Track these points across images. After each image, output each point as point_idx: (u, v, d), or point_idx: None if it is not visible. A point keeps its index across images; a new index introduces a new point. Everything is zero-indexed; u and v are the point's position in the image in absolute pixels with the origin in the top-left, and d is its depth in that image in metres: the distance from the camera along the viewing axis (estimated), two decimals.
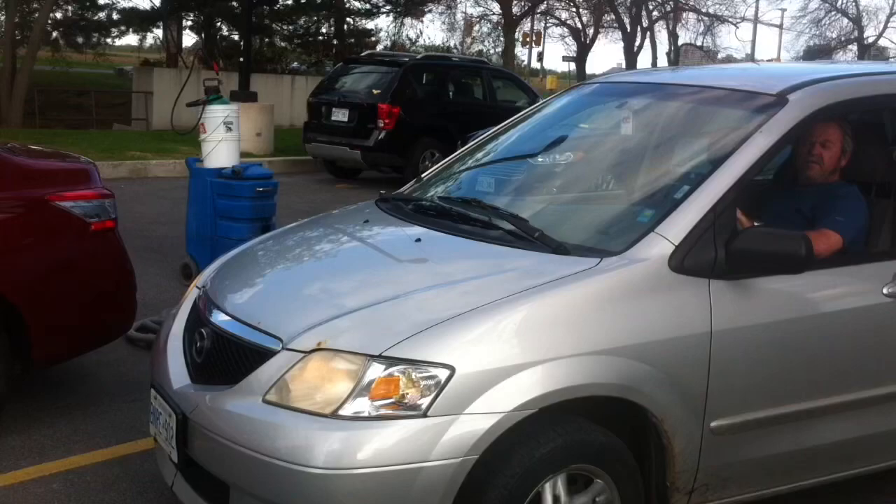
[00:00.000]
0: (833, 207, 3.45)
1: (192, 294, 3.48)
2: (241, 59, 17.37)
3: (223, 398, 2.81)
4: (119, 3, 26.66)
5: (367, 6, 29.53)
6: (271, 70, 25.63)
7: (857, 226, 3.41)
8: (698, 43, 42.37)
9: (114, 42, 29.40)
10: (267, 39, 28.05)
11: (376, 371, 2.57)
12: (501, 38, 35.58)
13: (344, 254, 3.45)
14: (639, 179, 3.47)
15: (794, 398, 3.06)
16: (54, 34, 24.86)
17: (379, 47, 30.08)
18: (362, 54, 16.30)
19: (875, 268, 3.25)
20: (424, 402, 2.54)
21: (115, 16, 26.59)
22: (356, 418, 2.55)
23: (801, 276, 2.95)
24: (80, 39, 26.33)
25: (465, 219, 3.30)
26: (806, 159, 3.58)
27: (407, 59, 14.11)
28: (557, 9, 40.39)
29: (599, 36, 42.27)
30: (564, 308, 2.73)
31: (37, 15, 21.01)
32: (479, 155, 4.13)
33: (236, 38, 26.44)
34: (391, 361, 2.58)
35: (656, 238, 2.88)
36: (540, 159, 3.92)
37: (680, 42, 43.10)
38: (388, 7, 30.18)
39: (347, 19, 29.20)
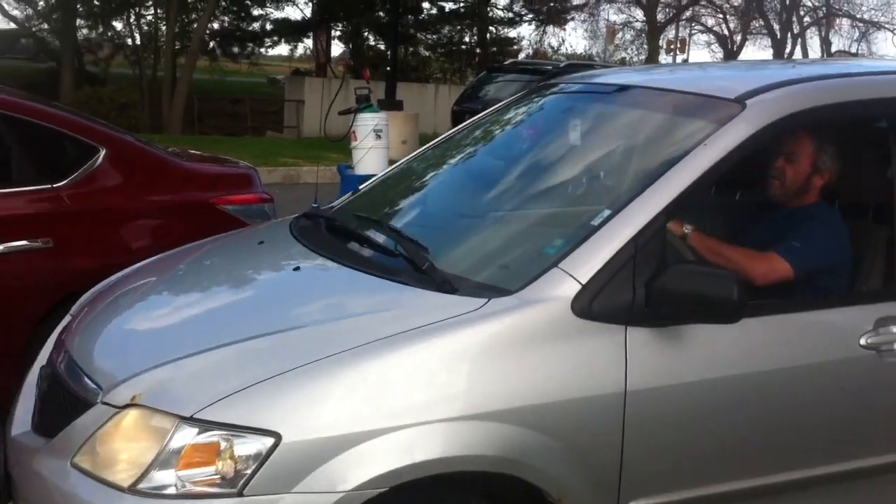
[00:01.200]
0: (794, 231, 2.86)
1: (64, 322, 3.05)
2: (388, 69, 17.70)
3: (37, 456, 2.37)
4: (272, 14, 28.18)
5: (510, 15, 30.26)
6: (416, 79, 26.11)
7: (818, 255, 2.80)
8: (853, 50, 39.56)
9: (266, 52, 31.38)
10: (411, 49, 28.83)
11: (186, 436, 2.09)
12: (645, 46, 35.06)
13: (209, 285, 2.94)
14: (559, 200, 2.92)
15: (734, 475, 2.48)
16: (211, 44, 26.03)
17: (521, 56, 30.28)
18: (505, 63, 16.35)
19: (853, 313, 2.65)
20: (241, 477, 2.05)
21: (268, 26, 28.20)
22: (156, 495, 2.08)
23: (750, 322, 2.38)
24: (235, 49, 27.78)
25: (367, 243, 2.80)
26: (770, 175, 3.02)
27: (550, 68, 14.04)
28: (703, 15, 38.56)
29: (747, 43, 39.59)
30: (433, 361, 2.21)
31: (195, 26, 21.88)
32: (417, 165, 3.61)
33: (382, 47, 27.59)
34: (205, 425, 2.09)
35: (559, 275, 2.34)
36: (476, 171, 3.39)
37: (833, 49, 40.43)
38: (530, 16, 30.64)
39: (490, 28, 29.90)
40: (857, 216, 2.96)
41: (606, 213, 2.46)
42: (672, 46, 39.47)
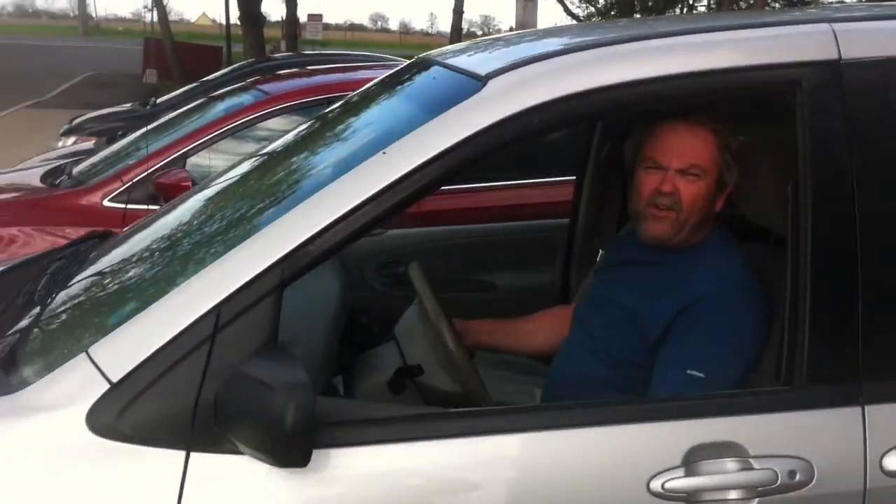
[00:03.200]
0: (694, 322, 1.86)
1: None
2: None
3: None
4: None
5: None
6: None
7: (743, 361, 1.83)
8: None
9: None
10: None
11: None
12: None
13: None
14: (185, 240, 1.98)
15: None
16: None
17: None
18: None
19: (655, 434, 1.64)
20: None
21: None
22: None
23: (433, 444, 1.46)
24: None
25: None
26: (646, 201, 1.96)
27: None
28: None
29: None
30: None
31: None
32: None
33: None
34: None
35: (85, 367, 1.47)
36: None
37: None
38: None
39: None
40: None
41: (206, 261, 1.57)
42: None
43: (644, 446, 1.56)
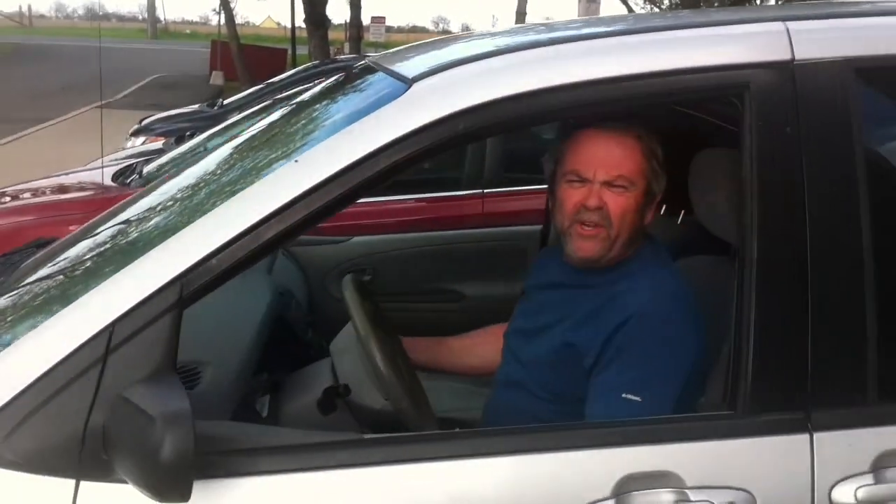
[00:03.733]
0: (628, 344, 1.73)
1: None
2: None
3: None
4: None
5: None
6: None
7: (680, 382, 1.71)
8: None
9: None
10: None
11: None
12: None
13: None
14: (92, 255, 1.83)
15: None
16: None
17: None
18: None
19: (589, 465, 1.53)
20: None
21: None
22: None
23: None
24: None
25: None
26: (571, 217, 1.82)
27: None
28: None
29: None
30: None
31: None
32: None
33: None
34: None
35: None
36: None
37: None
38: None
39: None
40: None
41: (109, 271, 1.46)
42: None
43: (571, 476, 1.44)
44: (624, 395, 1.67)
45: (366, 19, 23.06)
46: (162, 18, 75.76)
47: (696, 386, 1.71)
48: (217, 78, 22.29)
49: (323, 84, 2.24)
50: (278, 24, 74.74)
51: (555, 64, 1.53)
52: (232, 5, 22.10)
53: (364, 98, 1.71)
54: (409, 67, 1.66)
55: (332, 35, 19.21)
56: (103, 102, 15.94)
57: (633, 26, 1.72)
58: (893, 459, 1.47)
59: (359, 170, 1.44)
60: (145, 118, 9.57)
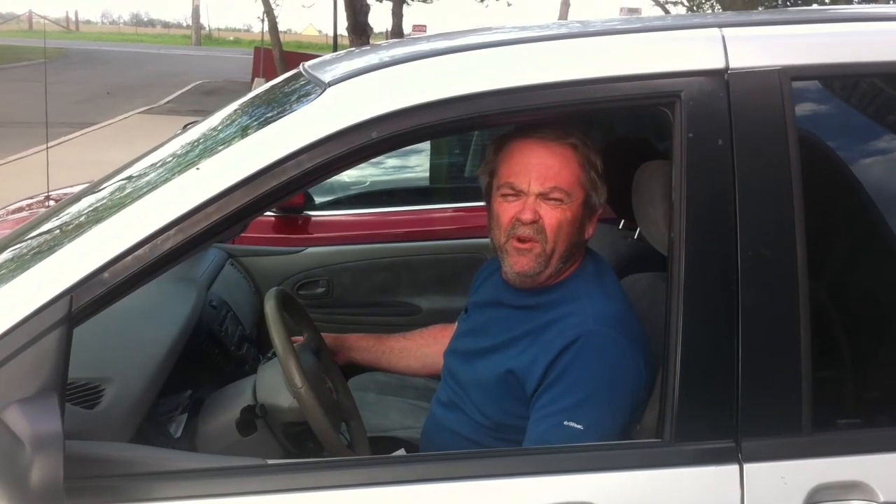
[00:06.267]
0: (569, 368, 1.63)
1: None
2: None
3: None
4: None
5: None
6: None
7: (624, 407, 1.63)
8: None
9: None
10: None
11: None
12: None
13: None
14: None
15: None
16: None
17: None
18: None
19: None
20: None
21: None
22: None
23: None
24: None
25: None
26: (506, 232, 1.73)
27: None
28: None
29: None
30: None
31: None
32: None
33: None
34: None
35: None
36: None
37: None
38: None
39: None
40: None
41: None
42: None
43: None
44: (566, 423, 1.58)
45: (407, 28, 23.04)
46: (206, 25, 75.90)
47: (640, 411, 1.63)
48: (260, 84, 22.18)
49: (262, 90, 2.15)
50: (319, 31, 74.90)
51: (480, 70, 1.46)
52: (275, 13, 22.09)
53: (280, 104, 1.63)
54: (330, 72, 1.58)
55: (373, 43, 19.21)
56: (147, 108, 16.06)
57: (565, 31, 1.64)
58: (829, 493, 1.39)
59: (266, 177, 1.36)
60: (189, 123, 9.52)
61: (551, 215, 1.68)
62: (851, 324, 1.55)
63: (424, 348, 2.22)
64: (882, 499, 1.38)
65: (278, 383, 1.72)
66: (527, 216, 1.68)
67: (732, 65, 1.44)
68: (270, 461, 1.40)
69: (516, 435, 1.69)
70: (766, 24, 1.56)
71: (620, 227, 2.76)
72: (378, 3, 19.94)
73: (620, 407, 1.62)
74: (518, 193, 1.70)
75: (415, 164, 4.31)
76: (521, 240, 1.70)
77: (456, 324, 2.08)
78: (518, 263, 1.72)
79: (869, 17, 1.63)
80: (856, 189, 1.54)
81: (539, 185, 1.68)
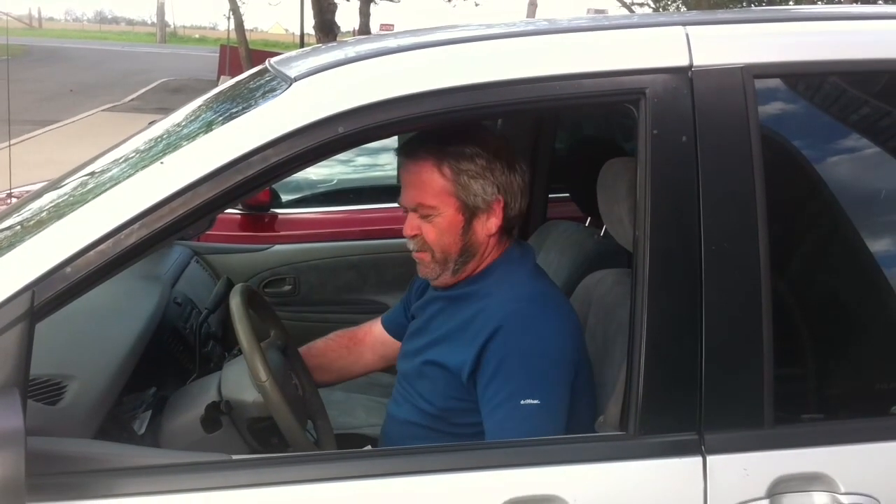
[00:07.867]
0: (504, 351, 1.66)
1: None
2: None
3: None
4: None
5: None
6: None
7: (566, 376, 1.68)
8: None
9: None
10: None
11: None
12: None
13: None
14: None
15: None
16: None
17: None
18: None
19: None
20: None
21: None
22: None
23: None
24: None
25: None
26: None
27: None
28: None
29: None
30: None
31: None
32: None
33: None
34: None
35: None
36: None
37: None
38: None
39: None
40: None
41: None
42: None
43: (455, 499, 1.36)
44: (522, 402, 1.61)
45: (374, 27, 22.92)
46: (171, 23, 75.15)
47: (588, 389, 1.67)
48: (226, 82, 21.94)
49: (228, 86, 2.14)
50: (286, 30, 74.49)
51: (448, 65, 1.46)
52: (241, 11, 21.90)
53: (246, 99, 1.62)
54: (296, 68, 1.57)
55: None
56: (111, 105, 15.89)
57: (532, 28, 1.65)
58: (790, 485, 1.41)
59: (231, 172, 1.36)
60: (154, 121, 9.43)
61: (427, 229, 1.76)
62: (813, 319, 1.58)
63: (339, 361, 2.19)
64: (843, 490, 1.40)
65: (243, 379, 1.71)
66: (407, 231, 1.78)
67: (696, 62, 1.46)
68: (235, 456, 1.39)
69: (465, 417, 1.74)
70: (730, 23, 1.58)
71: (587, 224, 2.78)
72: (346, 1, 19.83)
73: (564, 372, 1.67)
74: (405, 210, 1.78)
75: (383, 161, 4.30)
76: (414, 251, 1.79)
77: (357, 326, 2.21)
78: (421, 272, 1.83)
79: (830, 17, 1.66)
80: (818, 185, 1.56)
81: (410, 202, 1.76)
